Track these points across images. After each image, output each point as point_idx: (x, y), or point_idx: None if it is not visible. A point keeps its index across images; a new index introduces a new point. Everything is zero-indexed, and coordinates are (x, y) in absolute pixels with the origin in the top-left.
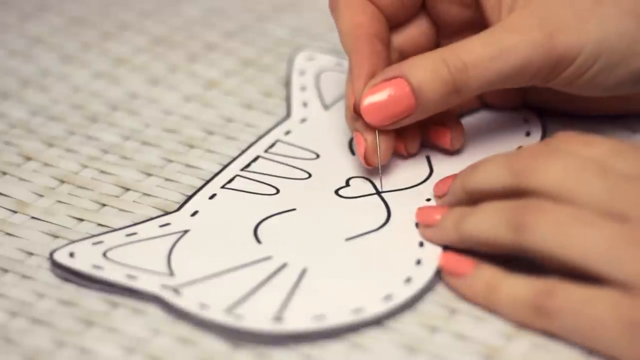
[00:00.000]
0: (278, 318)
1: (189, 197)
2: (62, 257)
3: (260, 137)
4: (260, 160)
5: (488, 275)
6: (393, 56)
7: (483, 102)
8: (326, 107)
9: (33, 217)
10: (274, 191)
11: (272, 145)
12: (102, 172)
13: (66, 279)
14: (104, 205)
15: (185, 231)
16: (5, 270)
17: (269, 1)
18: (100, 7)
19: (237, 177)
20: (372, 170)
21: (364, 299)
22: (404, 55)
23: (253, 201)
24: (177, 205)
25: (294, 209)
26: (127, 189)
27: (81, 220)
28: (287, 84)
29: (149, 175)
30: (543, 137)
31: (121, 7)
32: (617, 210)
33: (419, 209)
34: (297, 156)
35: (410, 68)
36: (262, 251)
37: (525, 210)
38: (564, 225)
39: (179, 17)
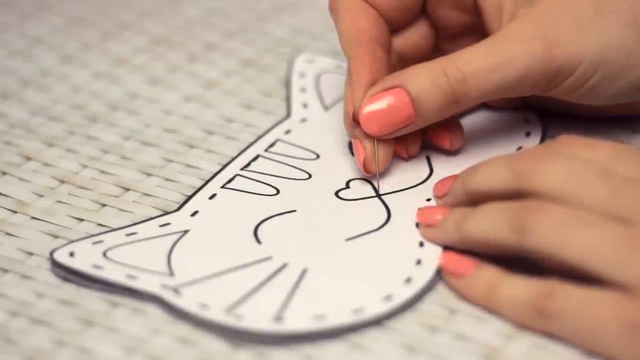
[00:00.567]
0: (278, 318)
1: (189, 197)
2: (62, 257)
3: (260, 137)
4: (260, 159)
5: (488, 276)
6: (392, 59)
7: (483, 102)
8: (326, 107)
9: (33, 217)
10: (274, 192)
11: (272, 145)
12: (102, 172)
13: (66, 279)
14: (104, 205)
15: (185, 231)
16: (5, 270)
17: (269, 1)
18: (100, 7)
19: (237, 177)
20: None
21: (364, 299)
22: (403, 59)
23: (253, 201)
24: (177, 205)
25: (294, 210)
26: (127, 189)
27: (81, 220)
28: (287, 84)
29: (149, 175)
30: (543, 137)
31: (121, 7)
32: (618, 213)
33: (420, 209)
34: (297, 156)
35: (410, 78)
36: (262, 251)
37: (526, 211)
38: (565, 226)
39: (179, 17)
